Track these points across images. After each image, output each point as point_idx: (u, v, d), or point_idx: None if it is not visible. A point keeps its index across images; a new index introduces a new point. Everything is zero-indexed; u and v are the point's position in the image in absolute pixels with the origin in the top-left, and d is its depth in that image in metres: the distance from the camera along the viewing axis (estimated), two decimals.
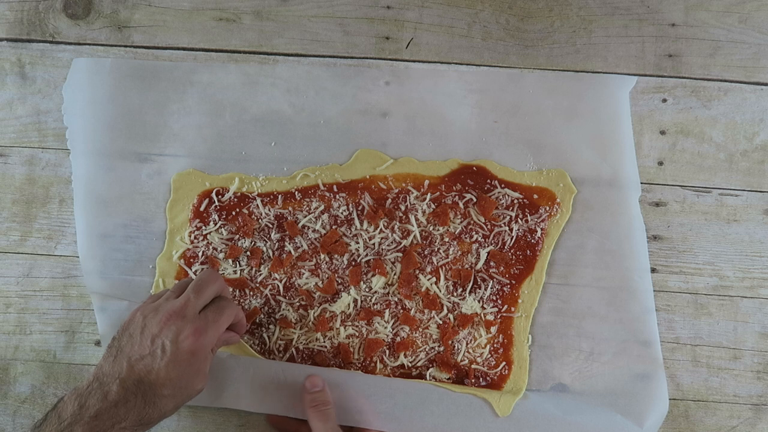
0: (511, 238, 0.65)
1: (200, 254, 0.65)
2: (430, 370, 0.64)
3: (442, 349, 0.64)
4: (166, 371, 0.51)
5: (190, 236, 0.65)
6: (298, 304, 0.65)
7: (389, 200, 0.65)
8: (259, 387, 0.62)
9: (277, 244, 0.65)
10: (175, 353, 0.51)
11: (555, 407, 0.63)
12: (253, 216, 0.65)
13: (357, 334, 0.64)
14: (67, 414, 0.49)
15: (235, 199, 0.65)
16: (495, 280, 0.65)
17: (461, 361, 0.64)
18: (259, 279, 0.65)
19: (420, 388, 0.62)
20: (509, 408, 0.62)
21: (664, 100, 0.68)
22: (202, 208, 0.65)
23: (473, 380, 0.63)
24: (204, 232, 0.65)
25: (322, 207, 0.65)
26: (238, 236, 0.65)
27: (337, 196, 0.65)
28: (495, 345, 0.64)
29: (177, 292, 0.56)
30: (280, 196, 0.65)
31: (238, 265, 0.65)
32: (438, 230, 0.65)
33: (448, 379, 0.64)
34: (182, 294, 0.54)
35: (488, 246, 0.65)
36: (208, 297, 0.55)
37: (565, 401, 0.63)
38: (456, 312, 0.64)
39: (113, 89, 0.66)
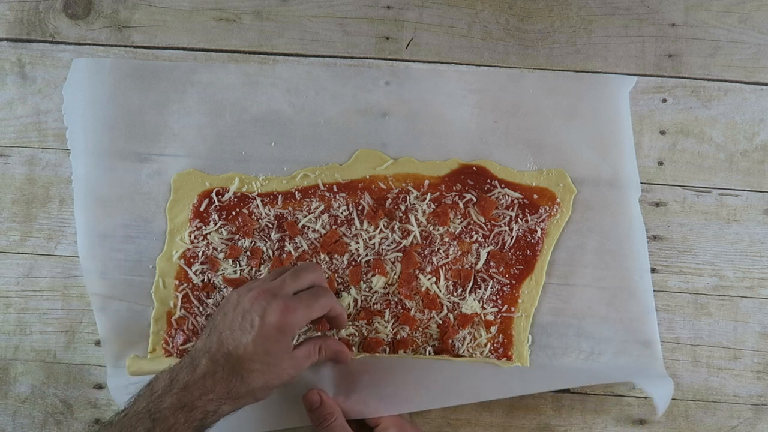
0: (511, 238, 0.65)
1: (200, 254, 0.65)
2: (428, 349, 0.64)
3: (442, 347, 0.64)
4: (253, 345, 0.52)
5: (190, 236, 0.65)
6: None
7: (389, 200, 0.65)
8: (262, 405, 0.61)
9: (277, 244, 0.65)
10: (262, 327, 0.52)
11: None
12: (253, 216, 0.65)
13: (357, 333, 0.64)
14: (158, 387, 0.51)
15: (235, 199, 0.65)
16: (495, 280, 0.65)
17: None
18: None
19: (419, 364, 0.62)
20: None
21: (664, 100, 0.68)
22: (202, 208, 0.65)
23: None
24: (204, 232, 0.65)
25: (322, 207, 0.65)
26: (238, 236, 0.65)
27: (337, 196, 0.65)
28: (495, 345, 0.64)
29: (274, 275, 0.56)
30: (280, 196, 0.65)
31: (238, 265, 0.65)
32: (438, 230, 0.65)
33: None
34: (279, 277, 0.55)
35: (488, 246, 0.65)
36: (304, 283, 0.55)
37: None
38: (456, 312, 0.64)
39: (113, 89, 0.66)
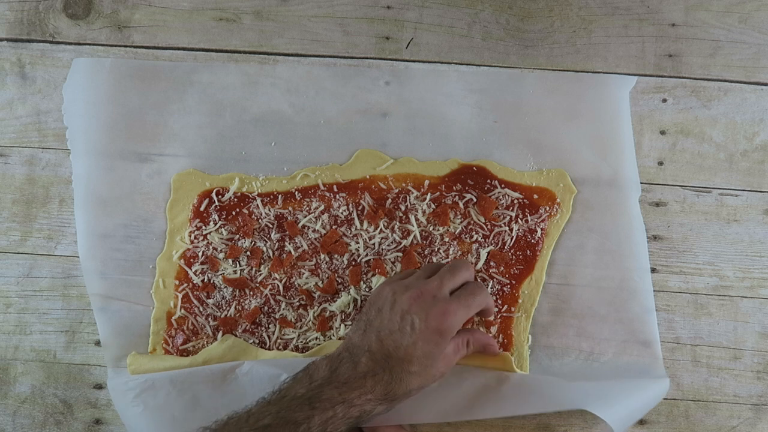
0: (511, 238, 0.65)
1: (200, 254, 0.65)
2: None
3: None
4: (414, 348, 0.52)
5: (190, 236, 0.65)
6: (297, 303, 0.65)
7: (389, 200, 0.65)
8: None
9: (277, 244, 0.65)
10: (423, 331, 0.52)
11: (558, 374, 0.62)
12: (253, 216, 0.65)
13: None
14: (318, 376, 0.52)
15: (235, 199, 0.65)
16: (495, 280, 0.65)
17: None
18: (259, 279, 0.65)
19: None
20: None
21: (664, 100, 0.68)
22: (202, 208, 0.65)
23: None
24: (204, 232, 0.65)
25: (322, 207, 0.65)
26: (238, 236, 0.65)
27: (337, 196, 0.65)
28: None
29: (427, 272, 0.56)
30: (280, 196, 0.65)
31: (238, 265, 0.65)
32: (438, 230, 0.65)
33: None
34: (434, 275, 0.55)
35: (488, 246, 0.65)
36: (459, 281, 0.55)
37: (569, 372, 0.63)
38: None
39: (113, 89, 0.66)
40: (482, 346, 0.58)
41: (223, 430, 0.50)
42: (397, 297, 0.54)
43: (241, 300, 0.65)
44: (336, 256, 0.65)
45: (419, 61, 0.68)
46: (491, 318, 0.61)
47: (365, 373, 0.51)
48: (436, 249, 0.65)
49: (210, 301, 0.65)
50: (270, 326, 0.64)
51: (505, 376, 0.61)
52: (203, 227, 0.65)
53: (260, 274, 0.65)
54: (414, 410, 0.60)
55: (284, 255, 0.65)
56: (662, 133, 0.68)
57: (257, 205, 0.65)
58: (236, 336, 0.64)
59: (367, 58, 0.68)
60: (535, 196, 0.65)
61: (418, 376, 0.52)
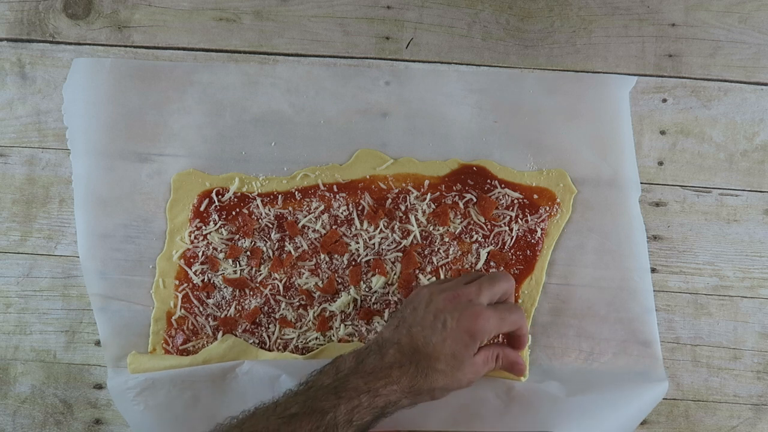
0: (511, 238, 0.65)
1: (200, 254, 0.65)
2: None
3: None
4: (442, 345, 0.52)
5: (190, 236, 0.65)
6: (297, 303, 0.65)
7: (389, 200, 0.65)
8: None
9: (277, 244, 0.65)
10: (454, 330, 0.53)
11: (557, 388, 0.62)
12: (253, 216, 0.65)
13: (356, 333, 0.64)
14: (344, 367, 0.53)
15: (235, 199, 0.65)
16: None
17: None
18: (259, 279, 0.65)
19: None
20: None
21: (664, 100, 0.68)
22: (202, 208, 0.65)
23: None
24: (204, 232, 0.65)
25: (322, 207, 0.65)
26: (238, 236, 0.65)
27: (337, 196, 0.65)
28: None
29: (467, 279, 0.57)
30: (280, 196, 0.65)
31: (238, 265, 0.65)
32: (438, 230, 0.65)
33: None
34: (474, 282, 0.56)
35: (488, 246, 0.65)
36: (498, 292, 0.56)
37: (568, 383, 0.62)
38: None
39: (113, 89, 0.66)
40: (510, 363, 0.58)
41: (251, 419, 0.50)
42: (433, 297, 0.55)
43: (241, 300, 0.65)
44: (336, 256, 0.65)
45: (419, 61, 0.68)
46: (522, 349, 0.60)
47: (392, 364, 0.52)
48: (436, 249, 0.65)
49: (210, 301, 0.65)
50: (270, 326, 0.64)
51: (503, 391, 0.61)
52: (203, 227, 0.65)
53: (260, 274, 0.65)
54: (412, 417, 0.60)
55: (284, 255, 0.65)
56: (662, 133, 0.68)
57: (257, 205, 0.65)
58: (236, 336, 0.64)
59: (367, 58, 0.68)
60: (535, 196, 0.65)
61: (443, 375, 0.53)
